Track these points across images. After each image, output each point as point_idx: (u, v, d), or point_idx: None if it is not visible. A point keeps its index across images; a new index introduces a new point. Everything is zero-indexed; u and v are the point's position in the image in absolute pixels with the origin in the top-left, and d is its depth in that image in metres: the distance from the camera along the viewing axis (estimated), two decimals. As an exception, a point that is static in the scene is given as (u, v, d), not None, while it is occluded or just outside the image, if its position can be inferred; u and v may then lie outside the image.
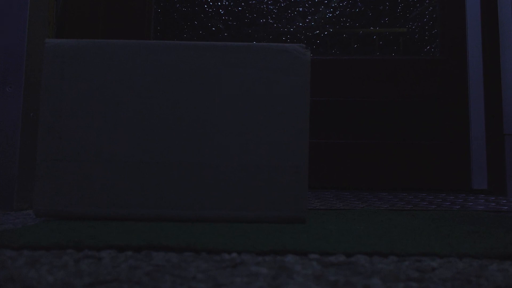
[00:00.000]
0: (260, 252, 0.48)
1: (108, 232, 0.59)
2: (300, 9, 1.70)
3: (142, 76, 0.74)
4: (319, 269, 0.42)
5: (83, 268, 0.41)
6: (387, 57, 1.58)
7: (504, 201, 1.23)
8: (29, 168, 0.93)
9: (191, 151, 0.73)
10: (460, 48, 1.58)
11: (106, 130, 0.73)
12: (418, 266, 0.44)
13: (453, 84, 1.58)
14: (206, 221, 0.72)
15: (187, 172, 0.72)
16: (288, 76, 0.74)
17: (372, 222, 0.74)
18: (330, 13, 1.66)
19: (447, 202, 1.17)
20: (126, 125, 0.73)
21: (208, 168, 0.72)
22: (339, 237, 0.57)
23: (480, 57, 1.57)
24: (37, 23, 0.98)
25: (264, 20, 1.71)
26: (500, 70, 1.53)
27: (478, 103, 1.57)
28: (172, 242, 0.51)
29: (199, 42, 0.75)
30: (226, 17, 1.70)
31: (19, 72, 0.92)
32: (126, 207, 0.72)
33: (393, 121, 1.54)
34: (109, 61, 0.74)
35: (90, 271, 0.40)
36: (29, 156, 0.93)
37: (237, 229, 0.64)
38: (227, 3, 1.71)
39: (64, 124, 0.73)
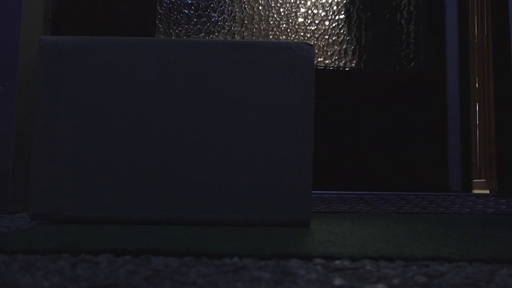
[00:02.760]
0: (262, 256, 0.48)
1: (106, 236, 0.59)
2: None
3: (141, 74, 0.74)
4: (324, 274, 0.42)
5: (80, 273, 0.41)
6: (385, 71, 1.75)
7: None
8: (24, 170, 0.93)
9: (192, 152, 0.73)
10: (441, 64, 1.76)
11: (103, 131, 0.73)
12: (426, 271, 0.43)
13: (433, 96, 1.75)
14: (206, 224, 0.72)
15: (187, 173, 0.72)
16: (292, 74, 0.74)
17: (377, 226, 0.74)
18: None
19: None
20: (124, 125, 0.73)
21: (209, 170, 0.72)
22: (344, 241, 0.57)
23: (457, 73, 1.78)
24: (32, 20, 0.98)
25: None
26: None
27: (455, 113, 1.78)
28: (171, 246, 0.51)
29: (200, 39, 0.76)
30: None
31: (13, 70, 0.93)
32: (124, 210, 0.72)
33: (379, 126, 1.70)
34: (107, 59, 0.74)
35: (86, 276, 0.40)
36: (24, 157, 0.93)
37: (239, 232, 0.64)
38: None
39: (60, 124, 0.73)
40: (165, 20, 1.64)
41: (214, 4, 1.70)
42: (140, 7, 1.59)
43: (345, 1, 1.76)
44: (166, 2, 1.67)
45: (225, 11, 1.70)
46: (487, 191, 2.06)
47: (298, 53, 0.74)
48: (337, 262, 0.47)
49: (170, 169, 0.73)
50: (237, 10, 1.71)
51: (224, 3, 1.70)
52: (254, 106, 0.73)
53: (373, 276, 0.42)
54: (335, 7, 1.75)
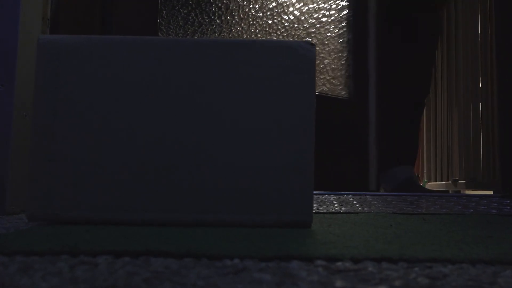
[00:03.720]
0: (263, 257, 0.48)
1: (105, 237, 0.59)
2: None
3: (141, 73, 0.74)
4: (325, 276, 0.42)
5: (79, 275, 0.41)
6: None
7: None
8: (22, 170, 0.93)
9: (192, 153, 0.73)
10: (363, 90, 2.15)
11: (102, 131, 0.73)
12: (428, 273, 0.43)
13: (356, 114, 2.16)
14: (206, 225, 0.72)
15: (187, 174, 0.72)
16: (293, 73, 0.74)
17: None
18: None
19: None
20: (123, 125, 0.73)
21: (209, 170, 0.72)
22: (345, 242, 0.57)
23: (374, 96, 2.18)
24: (31, 19, 0.98)
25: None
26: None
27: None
28: (171, 248, 0.51)
29: (200, 38, 0.76)
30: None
31: (12, 69, 0.93)
32: (124, 210, 0.72)
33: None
34: (107, 58, 0.74)
35: (85, 277, 0.40)
36: (22, 157, 0.93)
37: (239, 233, 0.64)
38: None
39: (59, 124, 0.73)
40: (166, 17, 1.63)
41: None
42: (142, 5, 1.59)
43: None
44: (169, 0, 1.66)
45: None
46: (491, 192, 2.06)
47: (299, 52, 0.74)
48: (339, 263, 0.47)
49: (170, 169, 0.73)
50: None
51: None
52: (254, 106, 0.73)
53: (375, 277, 0.42)
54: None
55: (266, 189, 0.72)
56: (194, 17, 1.65)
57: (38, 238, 0.58)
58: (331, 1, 2.07)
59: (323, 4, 2.05)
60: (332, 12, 2.07)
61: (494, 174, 2.04)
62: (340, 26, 2.11)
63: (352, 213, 0.97)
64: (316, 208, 1.03)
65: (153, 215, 0.72)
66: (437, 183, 2.84)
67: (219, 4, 1.72)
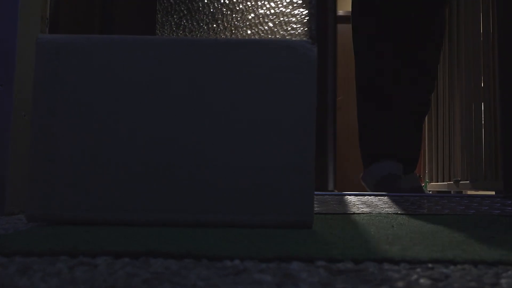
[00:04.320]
0: (263, 258, 0.48)
1: (104, 238, 0.59)
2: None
3: (140, 73, 0.74)
4: (326, 277, 0.42)
5: (78, 276, 0.41)
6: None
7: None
8: (21, 170, 0.93)
9: (192, 152, 0.73)
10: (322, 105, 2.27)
11: (102, 131, 0.73)
12: (430, 274, 0.43)
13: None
14: (206, 226, 0.72)
15: (187, 174, 0.72)
16: (293, 73, 0.74)
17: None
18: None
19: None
20: (123, 125, 0.73)
21: (209, 170, 0.72)
22: (346, 243, 0.57)
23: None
24: (30, 18, 0.98)
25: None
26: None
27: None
28: (171, 248, 0.51)
29: (200, 38, 0.76)
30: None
31: (11, 69, 0.93)
32: (123, 211, 0.72)
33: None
34: (106, 58, 0.74)
35: (85, 278, 0.40)
36: (21, 158, 0.94)
37: (240, 234, 0.64)
38: None
39: (58, 123, 0.73)
40: (160, 22, 1.65)
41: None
42: (140, 3, 1.59)
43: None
44: None
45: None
46: (493, 193, 2.06)
47: (300, 51, 0.74)
48: (340, 264, 0.47)
49: (170, 169, 0.73)
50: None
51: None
52: (254, 106, 0.73)
53: (377, 278, 0.42)
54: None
55: (266, 189, 0.72)
56: (185, 23, 1.71)
57: (37, 239, 0.58)
58: (298, 16, 2.29)
59: (292, 18, 2.28)
60: (299, 25, 2.31)
61: (496, 175, 2.04)
62: (307, 37, 2.30)
63: (353, 213, 0.97)
64: (316, 209, 1.03)
65: (153, 215, 0.72)
66: (438, 183, 2.84)
67: (207, 12, 1.86)
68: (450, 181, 2.67)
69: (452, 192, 2.57)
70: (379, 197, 1.39)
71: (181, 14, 1.73)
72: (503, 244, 0.59)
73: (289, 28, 2.24)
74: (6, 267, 0.44)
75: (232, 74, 0.74)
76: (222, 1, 1.88)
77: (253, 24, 2.08)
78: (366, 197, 1.40)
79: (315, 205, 1.10)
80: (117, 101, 0.74)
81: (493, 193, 2.05)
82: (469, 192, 2.38)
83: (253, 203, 0.72)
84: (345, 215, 0.95)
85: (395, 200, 1.29)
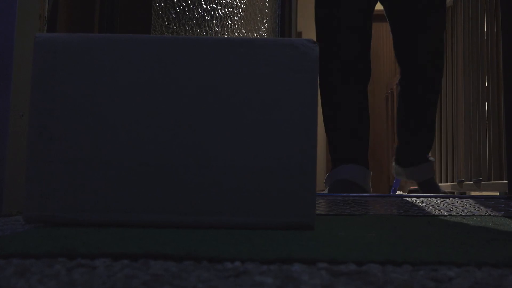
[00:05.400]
0: (265, 260, 0.48)
1: (103, 239, 0.59)
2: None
3: (139, 72, 0.74)
4: (328, 279, 0.42)
5: (76, 278, 0.41)
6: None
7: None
8: (19, 171, 0.93)
9: (192, 153, 0.73)
10: None
11: (100, 131, 0.73)
12: (434, 276, 0.43)
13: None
14: (207, 227, 0.72)
15: (187, 175, 0.72)
16: (295, 72, 0.74)
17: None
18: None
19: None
20: (122, 125, 0.73)
21: (210, 171, 0.72)
22: (349, 245, 0.57)
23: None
24: (27, 17, 0.98)
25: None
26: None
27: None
28: (171, 250, 0.51)
29: (200, 36, 0.76)
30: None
31: (8, 68, 0.93)
32: (122, 212, 0.72)
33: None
34: (104, 57, 0.74)
35: (83, 280, 0.40)
36: (19, 158, 0.94)
37: (240, 236, 0.64)
38: None
39: (56, 123, 0.73)
40: (153, 25, 1.67)
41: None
42: (139, 2, 1.60)
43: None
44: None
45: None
46: (497, 193, 2.06)
47: (301, 50, 0.74)
48: (342, 266, 0.47)
49: (170, 170, 0.73)
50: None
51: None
52: (255, 106, 0.73)
53: (379, 281, 0.42)
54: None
55: (267, 190, 0.72)
56: (174, 27, 1.82)
57: (35, 240, 0.58)
58: (267, 25, 2.63)
59: (261, 27, 2.59)
60: (266, 33, 2.64)
61: (500, 175, 2.04)
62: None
63: (356, 215, 0.97)
64: (318, 210, 1.03)
65: (153, 216, 0.72)
66: (442, 184, 2.84)
67: (192, 18, 1.96)
68: (453, 182, 2.67)
69: (455, 193, 2.57)
70: (382, 198, 1.39)
71: (171, 19, 1.78)
72: (507, 245, 0.59)
73: (259, 36, 2.41)
74: (3, 269, 0.44)
75: (233, 73, 0.74)
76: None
77: (229, 31, 2.26)
78: (367, 198, 1.40)
79: (317, 206, 1.10)
80: (116, 101, 0.73)
81: (497, 194, 2.05)
82: (473, 193, 2.38)
83: (254, 204, 0.72)
84: (347, 216, 0.95)
85: (397, 202, 1.29)
